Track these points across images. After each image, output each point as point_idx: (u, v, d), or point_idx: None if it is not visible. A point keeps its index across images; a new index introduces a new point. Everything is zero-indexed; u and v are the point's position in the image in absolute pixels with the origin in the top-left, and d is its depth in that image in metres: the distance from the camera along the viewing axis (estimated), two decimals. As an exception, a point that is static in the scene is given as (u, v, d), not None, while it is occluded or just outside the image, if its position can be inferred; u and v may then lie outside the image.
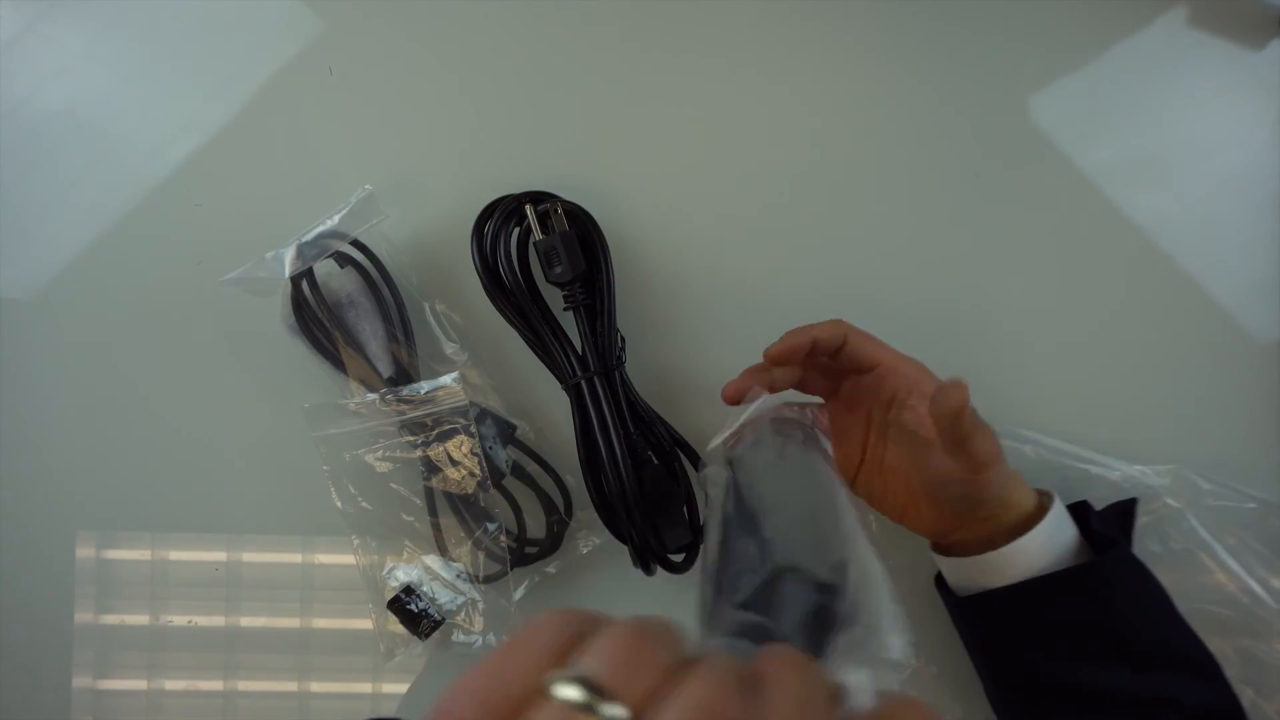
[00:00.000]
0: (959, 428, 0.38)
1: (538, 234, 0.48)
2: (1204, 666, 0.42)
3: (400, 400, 0.48)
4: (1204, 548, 0.51)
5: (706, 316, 0.53)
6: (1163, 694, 0.41)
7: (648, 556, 0.47)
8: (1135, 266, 0.53)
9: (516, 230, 0.49)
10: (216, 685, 0.53)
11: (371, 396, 0.48)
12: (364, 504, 0.50)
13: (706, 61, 0.53)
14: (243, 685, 0.53)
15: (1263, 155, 0.54)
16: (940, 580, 0.47)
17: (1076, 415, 0.53)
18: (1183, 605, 0.44)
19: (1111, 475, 0.52)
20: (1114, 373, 0.53)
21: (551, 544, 0.51)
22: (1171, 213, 0.53)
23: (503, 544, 0.50)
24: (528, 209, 0.48)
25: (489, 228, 0.48)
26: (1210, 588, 0.51)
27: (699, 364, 0.52)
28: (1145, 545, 0.51)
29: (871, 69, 0.53)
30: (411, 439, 0.49)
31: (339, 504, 0.49)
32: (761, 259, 0.53)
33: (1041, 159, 0.53)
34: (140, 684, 0.53)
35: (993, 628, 0.44)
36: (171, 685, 0.53)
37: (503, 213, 0.48)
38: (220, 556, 0.53)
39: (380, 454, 0.50)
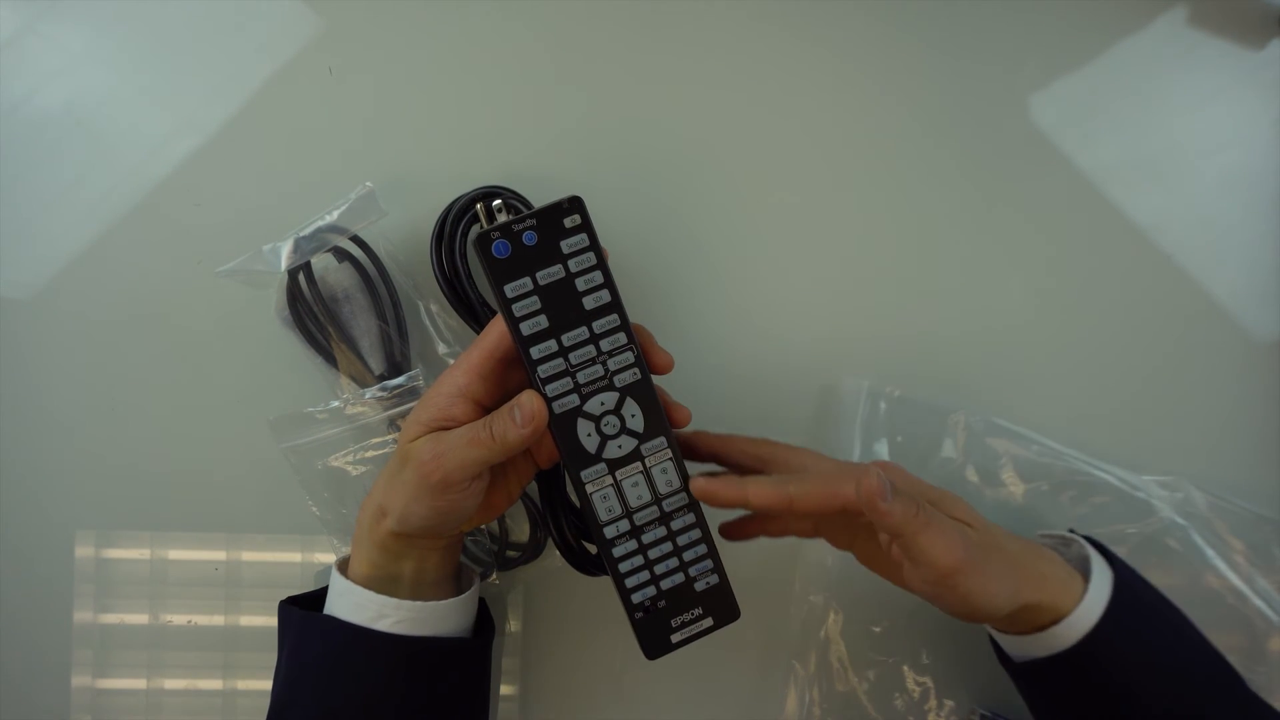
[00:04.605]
0: (892, 528, 0.37)
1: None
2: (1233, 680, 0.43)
3: (363, 403, 0.48)
4: (1204, 561, 0.51)
5: (695, 318, 0.53)
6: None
7: (576, 559, 0.46)
8: (1135, 266, 0.53)
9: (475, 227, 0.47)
10: (216, 685, 0.53)
11: (335, 403, 0.48)
12: (341, 510, 0.50)
13: (706, 60, 0.53)
14: (242, 685, 0.53)
15: (1263, 155, 0.54)
16: (995, 643, 0.47)
17: (1074, 415, 0.53)
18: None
19: (1112, 483, 0.51)
20: (1112, 372, 0.53)
21: (534, 549, 0.51)
22: (1171, 213, 0.53)
23: (485, 546, 0.50)
24: (478, 208, 0.46)
25: (443, 248, 0.46)
26: (1210, 601, 0.51)
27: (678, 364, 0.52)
28: (1143, 558, 0.50)
29: (869, 68, 0.53)
30: (380, 440, 0.49)
31: (316, 511, 0.50)
32: (760, 257, 0.53)
33: (1041, 159, 0.53)
34: (139, 683, 0.53)
35: (1053, 689, 0.44)
36: (171, 684, 0.53)
37: (457, 216, 0.47)
38: (220, 556, 0.53)
39: (351, 458, 0.50)
